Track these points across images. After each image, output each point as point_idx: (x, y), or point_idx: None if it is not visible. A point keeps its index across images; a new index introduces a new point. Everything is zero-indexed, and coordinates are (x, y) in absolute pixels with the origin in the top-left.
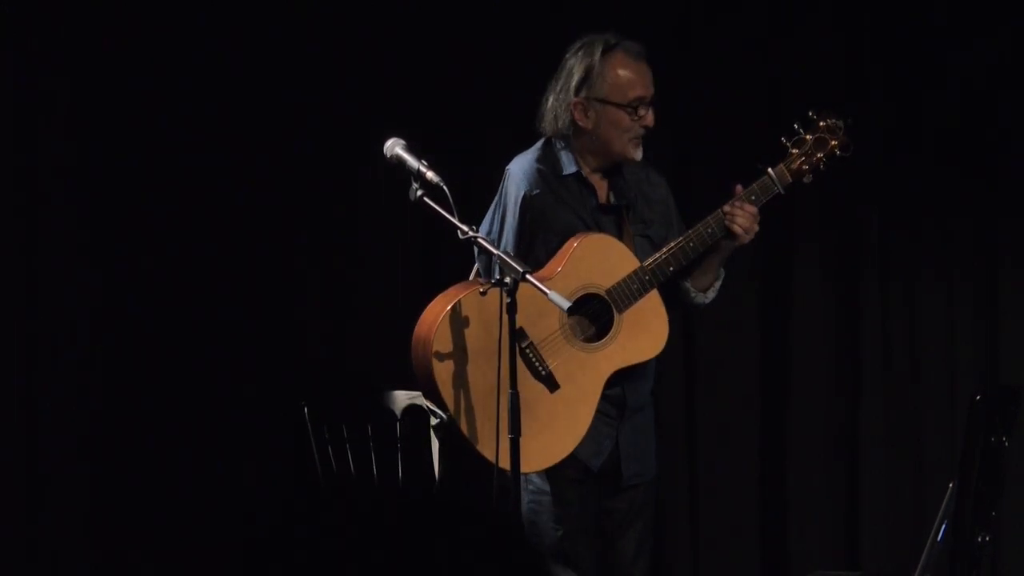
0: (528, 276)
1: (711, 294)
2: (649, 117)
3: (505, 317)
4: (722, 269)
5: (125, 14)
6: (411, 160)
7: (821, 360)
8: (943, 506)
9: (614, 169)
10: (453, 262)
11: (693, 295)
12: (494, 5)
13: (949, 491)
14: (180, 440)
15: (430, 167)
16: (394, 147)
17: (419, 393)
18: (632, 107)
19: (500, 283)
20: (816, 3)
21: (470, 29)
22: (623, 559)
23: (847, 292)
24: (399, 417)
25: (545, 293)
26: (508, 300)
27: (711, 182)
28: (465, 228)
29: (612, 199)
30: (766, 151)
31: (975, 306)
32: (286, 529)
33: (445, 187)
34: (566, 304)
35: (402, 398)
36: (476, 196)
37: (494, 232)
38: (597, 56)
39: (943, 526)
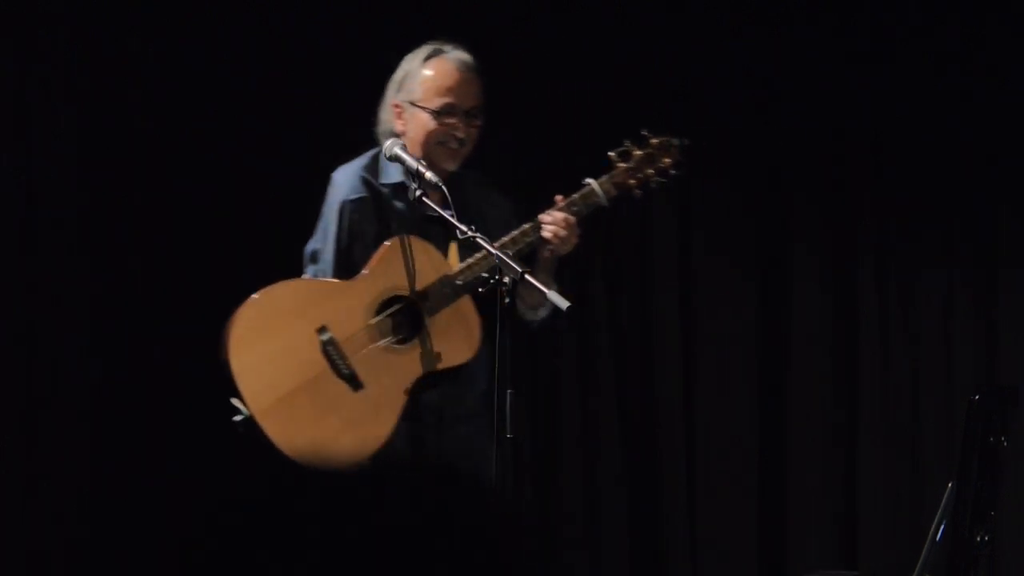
0: (527, 276)
1: (542, 312)
2: (461, 128)
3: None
4: (555, 285)
5: (124, 15)
6: (410, 160)
7: (819, 360)
8: (942, 506)
9: (451, 179)
10: None
11: (522, 311)
12: (494, 5)
13: (948, 491)
14: (179, 439)
15: (429, 167)
16: (393, 147)
17: None
18: (440, 113)
19: (499, 283)
20: (814, 12)
21: (470, 29)
22: None
23: (846, 292)
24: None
25: (544, 293)
26: (507, 300)
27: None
28: (464, 228)
29: (440, 209)
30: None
31: (974, 306)
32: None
33: (444, 187)
34: (565, 304)
35: None
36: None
37: (319, 241)
38: (418, 61)
39: (942, 526)
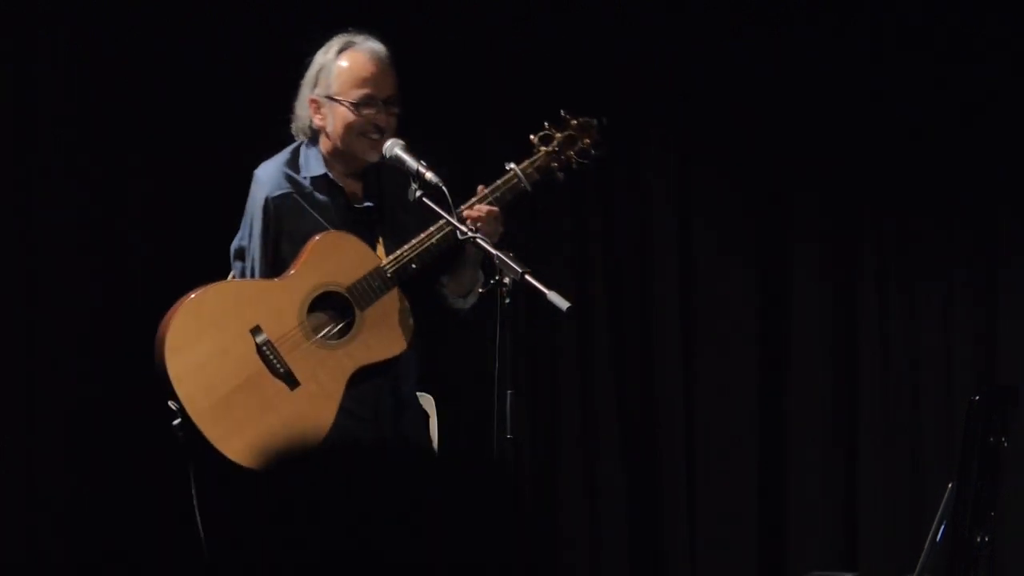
0: (528, 276)
1: (471, 299)
2: (381, 118)
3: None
4: (480, 273)
5: (124, 15)
6: (410, 160)
7: (819, 360)
8: (942, 506)
9: (371, 171)
10: None
11: (451, 300)
12: (494, 5)
13: (948, 491)
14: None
15: (429, 167)
16: (393, 147)
17: (419, 394)
18: (359, 105)
19: (499, 284)
20: (814, 8)
21: (470, 29)
22: None
23: (846, 292)
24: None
25: (544, 294)
26: (507, 301)
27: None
28: (464, 228)
29: (364, 201)
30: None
31: (974, 306)
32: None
33: (444, 187)
34: (565, 304)
35: None
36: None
37: (244, 238)
38: (332, 53)
39: (942, 526)
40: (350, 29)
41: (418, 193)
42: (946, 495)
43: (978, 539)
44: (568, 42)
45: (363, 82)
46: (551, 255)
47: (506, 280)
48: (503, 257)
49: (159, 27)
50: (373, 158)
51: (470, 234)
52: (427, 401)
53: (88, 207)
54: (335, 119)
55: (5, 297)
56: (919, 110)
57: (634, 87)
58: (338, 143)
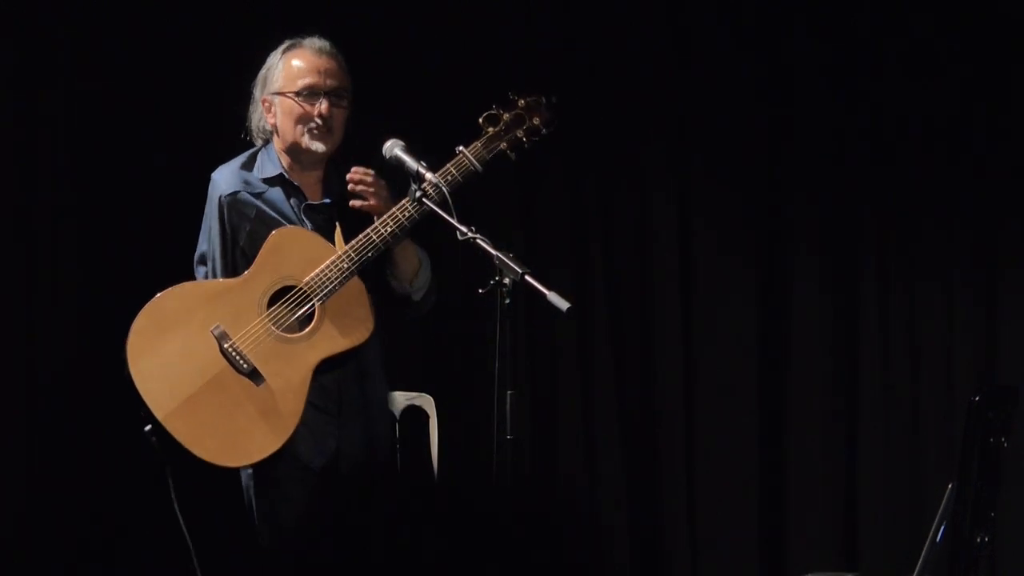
0: (527, 277)
1: (418, 284)
2: (324, 108)
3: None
4: (423, 259)
5: (122, 15)
6: (410, 161)
7: (820, 360)
8: (942, 507)
9: (330, 168)
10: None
11: (397, 288)
12: (494, 5)
13: (948, 492)
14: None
15: (429, 168)
16: (393, 148)
17: (418, 394)
18: (301, 95)
19: (499, 284)
20: (812, 6)
21: (470, 29)
22: None
23: (846, 292)
24: (398, 418)
25: (544, 295)
26: (507, 302)
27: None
28: (464, 229)
29: (323, 198)
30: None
31: (974, 307)
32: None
33: (445, 189)
34: (565, 305)
35: (401, 399)
36: (475, 196)
37: (203, 243)
38: (278, 55)
39: (942, 527)
40: (302, 33)
41: (418, 194)
42: (946, 495)
43: (978, 539)
44: (568, 42)
45: (305, 73)
46: (551, 255)
47: (506, 281)
48: (503, 258)
49: (158, 27)
50: (320, 148)
51: (470, 235)
52: (427, 401)
53: (88, 206)
54: (281, 113)
55: (5, 297)
56: (919, 109)
57: (634, 87)
58: (288, 137)
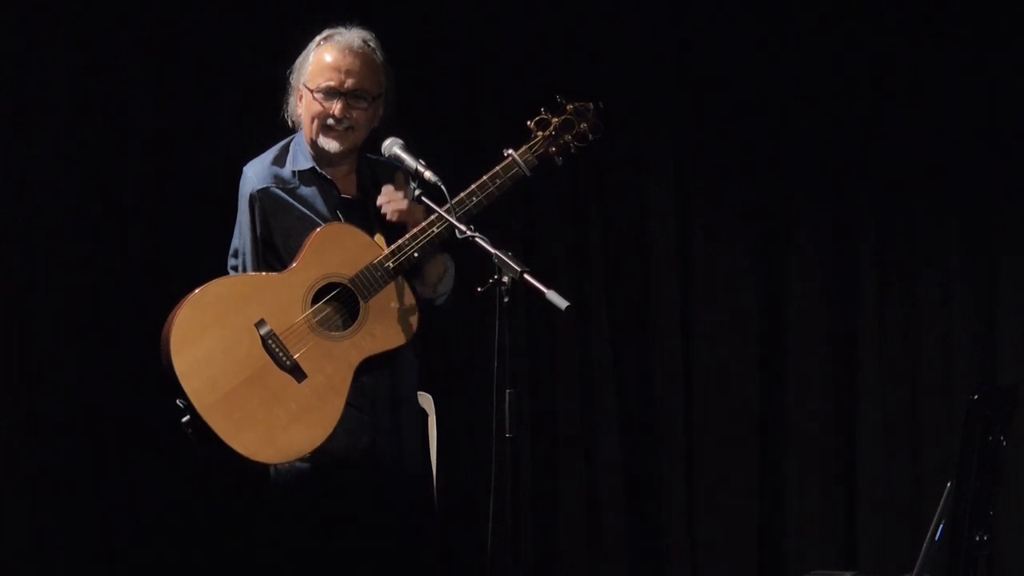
0: (527, 276)
1: (441, 289)
2: (338, 108)
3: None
4: (448, 264)
5: (122, 15)
6: (409, 159)
7: (819, 359)
8: (941, 505)
9: (364, 163)
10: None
11: (420, 291)
12: (494, 4)
13: (947, 490)
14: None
15: (428, 166)
16: (392, 146)
17: (419, 393)
18: (318, 93)
19: (498, 283)
20: (813, 5)
21: (470, 29)
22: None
23: (846, 292)
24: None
25: (543, 293)
26: (506, 300)
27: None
28: (463, 227)
29: (357, 193)
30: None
31: (973, 306)
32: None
33: (443, 186)
34: (564, 304)
35: None
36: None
37: (237, 237)
38: (314, 44)
39: (941, 525)
40: (347, 23)
41: (417, 192)
42: (945, 494)
43: (977, 538)
44: (567, 42)
45: (327, 70)
46: (550, 254)
47: (505, 279)
48: (502, 256)
49: (158, 27)
50: (334, 148)
51: (469, 233)
52: (427, 401)
53: (88, 206)
54: (304, 107)
55: (5, 297)
56: (919, 108)
57: (634, 86)
58: (306, 131)
